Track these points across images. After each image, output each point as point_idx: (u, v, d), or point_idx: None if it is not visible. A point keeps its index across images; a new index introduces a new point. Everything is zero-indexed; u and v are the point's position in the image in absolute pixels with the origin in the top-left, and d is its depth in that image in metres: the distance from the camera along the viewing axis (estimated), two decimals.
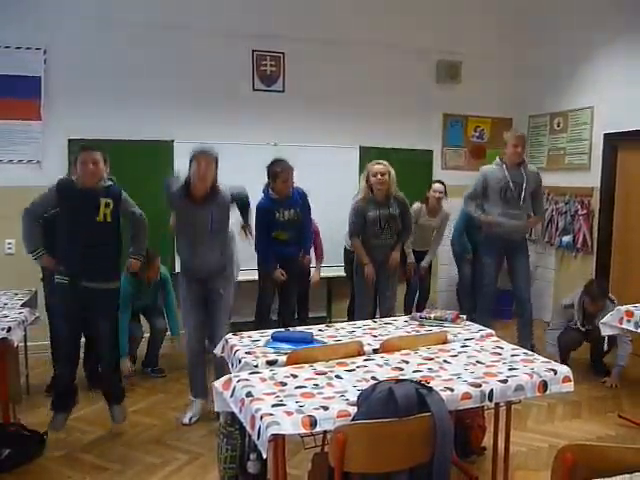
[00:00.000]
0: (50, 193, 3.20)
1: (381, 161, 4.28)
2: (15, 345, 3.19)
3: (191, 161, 3.40)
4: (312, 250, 4.73)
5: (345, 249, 5.10)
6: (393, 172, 4.26)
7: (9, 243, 4.78)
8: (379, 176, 4.17)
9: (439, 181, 5.33)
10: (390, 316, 3.80)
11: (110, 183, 3.29)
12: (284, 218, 4.18)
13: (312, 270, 4.80)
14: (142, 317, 4.54)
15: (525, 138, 4.69)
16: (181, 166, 4.96)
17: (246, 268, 4.71)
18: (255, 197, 4.81)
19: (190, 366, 3.65)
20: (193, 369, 3.63)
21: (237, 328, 3.46)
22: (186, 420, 3.53)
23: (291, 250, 4.31)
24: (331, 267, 5.18)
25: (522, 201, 4.54)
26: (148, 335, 4.48)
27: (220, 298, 3.63)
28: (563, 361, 4.32)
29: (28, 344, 3.97)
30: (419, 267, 5.28)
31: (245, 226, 3.80)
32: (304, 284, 4.74)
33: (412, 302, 5.39)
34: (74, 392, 3.38)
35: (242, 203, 3.70)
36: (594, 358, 4.51)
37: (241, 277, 4.75)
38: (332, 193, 5.39)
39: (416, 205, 5.14)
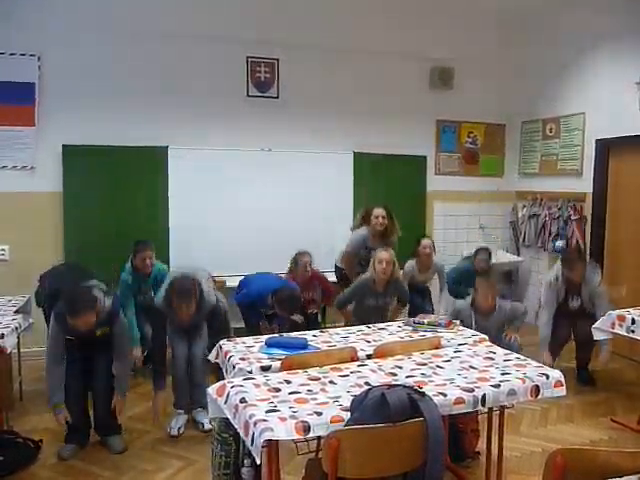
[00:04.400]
0: (54, 329, 3.06)
1: (387, 248, 4.22)
2: (8, 351, 3.19)
3: (169, 292, 3.29)
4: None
5: (336, 266, 5.06)
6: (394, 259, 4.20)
7: (2, 249, 4.76)
8: (384, 264, 4.09)
9: (427, 236, 5.26)
10: None
11: (106, 311, 3.12)
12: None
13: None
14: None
15: (494, 285, 4.11)
16: (175, 170, 5.05)
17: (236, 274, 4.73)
18: (250, 198, 4.85)
19: (178, 381, 3.57)
20: (180, 384, 3.57)
21: (235, 334, 3.46)
22: (175, 432, 3.46)
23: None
24: (325, 272, 5.19)
25: None
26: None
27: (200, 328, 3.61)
28: (554, 352, 4.29)
29: (21, 350, 3.95)
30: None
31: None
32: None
33: None
34: (87, 427, 3.30)
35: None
36: (579, 360, 4.47)
37: (232, 283, 4.77)
38: (325, 199, 5.42)
39: (408, 265, 5.01)
